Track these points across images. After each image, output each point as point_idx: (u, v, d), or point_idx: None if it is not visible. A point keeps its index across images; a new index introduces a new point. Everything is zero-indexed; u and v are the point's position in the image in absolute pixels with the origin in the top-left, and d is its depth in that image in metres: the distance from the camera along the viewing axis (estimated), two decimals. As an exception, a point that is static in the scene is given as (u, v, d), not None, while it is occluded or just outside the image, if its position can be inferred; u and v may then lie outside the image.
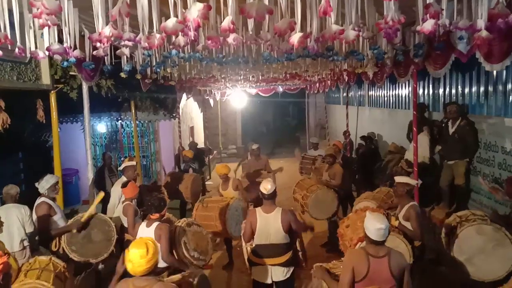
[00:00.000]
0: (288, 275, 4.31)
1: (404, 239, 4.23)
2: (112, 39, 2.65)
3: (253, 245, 4.36)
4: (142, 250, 2.79)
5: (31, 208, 4.93)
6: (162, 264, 4.08)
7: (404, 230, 4.38)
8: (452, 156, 6.68)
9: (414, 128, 5.77)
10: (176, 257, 4.27)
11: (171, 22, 2.14)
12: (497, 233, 4.14)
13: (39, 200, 4.87)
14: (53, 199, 4.96)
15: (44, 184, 4.83)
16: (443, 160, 7.02)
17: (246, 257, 4.50)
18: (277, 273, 4.28)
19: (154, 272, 2.91)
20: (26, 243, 4.60)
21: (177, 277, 3.47)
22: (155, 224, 4.10)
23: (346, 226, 4.74)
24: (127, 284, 2.85)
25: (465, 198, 6.68)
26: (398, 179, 4.70)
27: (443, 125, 6.99)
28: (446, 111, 6.78)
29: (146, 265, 2.79)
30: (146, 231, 4.07)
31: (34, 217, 4.80)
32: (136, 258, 2.77)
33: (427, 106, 8.39)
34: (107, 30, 2.36)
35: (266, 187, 4.25)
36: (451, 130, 6.68)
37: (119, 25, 2.61)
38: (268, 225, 4.19)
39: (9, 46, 2.74)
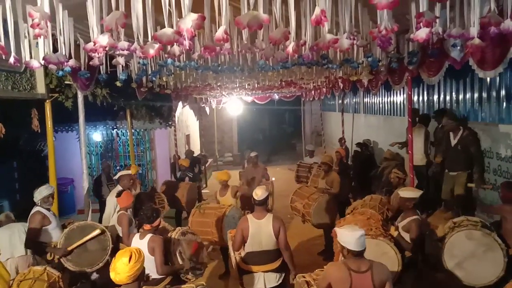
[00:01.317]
0: (280, 281, 4.33)
1: (395, 247, 4.22)
2: (107, 48, 2.65)
3: (242, 254, 4.36)
4: (125, 258, 2.80)
5: (25, 217, 4.92)
6: (156, 275, 4.05)
7: (400, 241, 4.36)
8: (455, 167, 6.48)
9: (410, 135, 5.80)
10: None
11: (165, 32, 2.15)
12: (486, 238, 4.16)
13: (34, 210, 4.85)
14: (48, 209, 4.93)
15: (37, 195, 4.82)
16: (444, 171, 6.82)
17: (234, 263, 4.46)
18: (270, 279, 4.29)
19: (138, 281, 2.89)
20: (29, 251, 4.69)
21: None
22: (148, 236, 4.06)
23: (341, 226, 4.74)
24: None
25: (464, 207, 6.48)
26: (402, 194, 4.59)
27: (442, 135, 6.88)
28: (443, 123, 6.69)
29: (128, 273, 2.78)
30: (139, 243, 4.02)
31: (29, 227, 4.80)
32: (118, 266, 2.78)
33: (418, 110, 8.39)
34: (104, 40, 2.35)
35: (257, 193, 4.27)
36: (454, 142, 6.49)
37: (114, 34, 2.61)
38: (260, 231, 4.19)
39: (3, 56, 2.73)
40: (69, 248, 4.64)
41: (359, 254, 3.10)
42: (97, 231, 4.75)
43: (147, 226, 4.09)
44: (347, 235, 3.11)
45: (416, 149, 6.97)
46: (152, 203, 6.89)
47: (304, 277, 3.81)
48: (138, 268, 2.83)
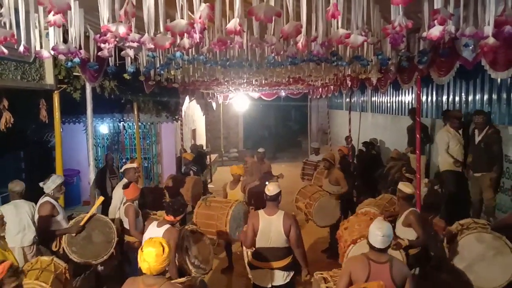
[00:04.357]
0: (288, 280, 4.28)
1: None
2: (117, 39, 2.65)
3: (253, 249, 4.34)
4: (159, 249, 2.81)
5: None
6: None
7: (410, 243, 4.29)
8: (478, 168, 6.26)
9: (418, 135, 5.75)
10: (177, 262, 4.21)
11: (177, 23, 2.14)
12: (497, 241, 4.13)
13: (43, 199, 4.87)
14: (56, 199, 4.96)
15: (51, 185, 4.85)
16: (469, 172, 6.59)
17: (246, 261, 4.48)
18: (277, 277, 4.24)
19: (164, 273, 2.92)
20: (35, 239, 4.74)
21: (182, 280, 3.48)
22: (166, 226, 4.04)
23: (345, 228, 4.75)
24: (136, 282, 2.86)
25: (493, 214, 6.23)
26: (399, 185, 4.65)
27: (470, 134, 6.66)
28: (474, 120, 6.39)
29: (162, 264, 2.81)
30: (156, 231, 4.02)
31: (36, 216, 4.82)
32: (152, 257, 2.78)
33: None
34: (121, 29, 2.33)
35: (269, 188, 4.25)
36: (477, 139, 6.27)
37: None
38: (270, 228, 4.16)
39: (15, 45, 2.74)
40: (82, 223, 4.75)
41: (378, 250, 3.19)
42: (101, 199, 5.08)
43: (169, 217, 4.08)
44: (372, 229, 3.23)
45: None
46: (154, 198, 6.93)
47: (321, 273, 3.83)
48: (169, 260, 2.89)
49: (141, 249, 2.85)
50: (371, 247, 3.22)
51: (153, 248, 2.80)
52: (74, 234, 4.72)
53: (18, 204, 4.82)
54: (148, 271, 2.80)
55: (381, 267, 3.13)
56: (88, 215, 4.83)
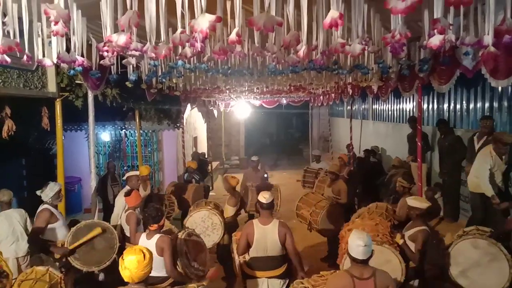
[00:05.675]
0: (284, 287, 4.28)
1: (399, 256, 4.17)
2: (119, 48, 2.67)
3: (247, 258, 4.32)
4: (139, 255, 2.80)
5: (32, 214, 4.93)
6: (162, 273, 4.03)
7: (405, 250, 4.31)
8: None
9: (419, 143, 5.75)
10: (180, 267, 4.20)
11: (176, 36, 2.16)
12: (492, 247, 4.11)
13: (42, 207, 4.86)
14: (55, 206, 4.95)
15: (49, 192, 4.83)
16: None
17: (238, 270, 4.42)
18: (274, 285, 4.24)
19: (146, 281, 2.90)
20: (28, 248, 4.71)
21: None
22: (157, 236, 4.04)
23: (348, 229, 4.72)
24: None
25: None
26: (409, 202, 4.47)
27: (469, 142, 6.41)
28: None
29: (143, 271, 2.80)
30: (147, 244, 4.01)
31: (29, 222, 4.81)
32: (133, 264, 2.77)
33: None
34: (121, 39, 2.35)
35: (265, 196, 4.22)
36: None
37: (127, 34, 2.62)
38: (266, 237, 4.15)
39: (18, 54, 2.76)
40: (71, 247, 4.55)
41: (361, 262, 3.08)
42: (98, 230, 4.65)
43: (153, 226, 4.07)
44: (352, 240, 3.10)
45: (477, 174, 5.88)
46: (160, 205, 6.90)
47: (302, 283, 3.76)
48: (150, 268, 2.87)
49: (122, 257, 2.83)
50: (353, 259, 3.10)
51: (134, 255, 2.80)
52: (58, 256, 4.53)
53: (9, 214, 4.78)
54: (130, 279, 2.79)
55: (366, 284, 3.02)
56: (80, 242, 4.63)
